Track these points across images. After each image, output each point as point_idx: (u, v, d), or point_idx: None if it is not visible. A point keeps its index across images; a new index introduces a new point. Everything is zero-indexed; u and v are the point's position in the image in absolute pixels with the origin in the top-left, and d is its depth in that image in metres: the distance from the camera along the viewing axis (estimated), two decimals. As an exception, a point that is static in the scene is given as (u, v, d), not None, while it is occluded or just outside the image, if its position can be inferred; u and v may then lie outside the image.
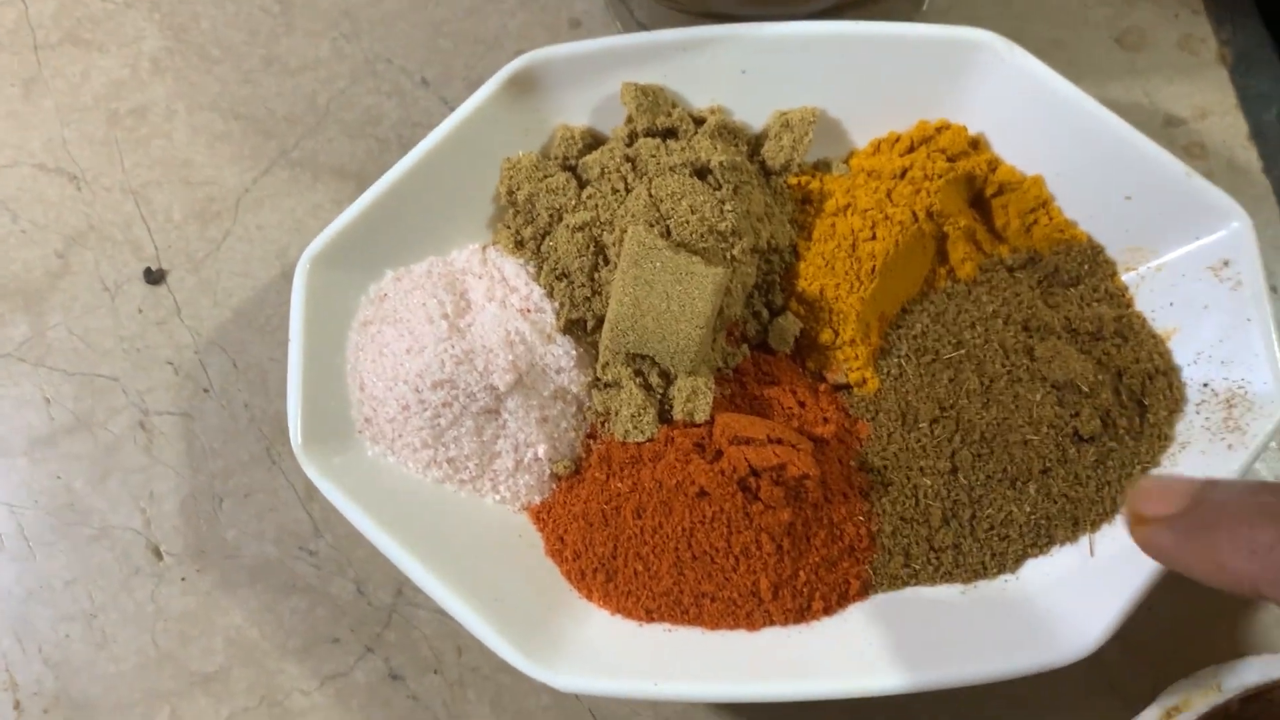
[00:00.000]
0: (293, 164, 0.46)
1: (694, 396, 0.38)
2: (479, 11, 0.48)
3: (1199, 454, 0.37)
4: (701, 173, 0.39)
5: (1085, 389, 0.37)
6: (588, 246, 0.39)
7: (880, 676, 0.34)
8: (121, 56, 0.48)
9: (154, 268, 0.45)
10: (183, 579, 0.41)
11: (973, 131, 0.41)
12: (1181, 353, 0.39)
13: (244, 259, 0.45)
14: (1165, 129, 0.46)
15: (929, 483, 0.38)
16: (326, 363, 0.38)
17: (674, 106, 0.41)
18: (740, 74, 0.41)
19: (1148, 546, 0.23)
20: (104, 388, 0.44)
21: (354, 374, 0.38)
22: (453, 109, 0.46)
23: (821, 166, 0.42)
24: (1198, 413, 0.38)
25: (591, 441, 0.40)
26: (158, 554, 0.42)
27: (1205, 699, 0.34)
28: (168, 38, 0.48)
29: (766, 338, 0.41)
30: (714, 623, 0.36)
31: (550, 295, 0.40)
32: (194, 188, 0.46)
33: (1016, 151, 0.41)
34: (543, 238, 0.40)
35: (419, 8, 0.48)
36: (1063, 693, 0.39)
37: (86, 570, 0.42)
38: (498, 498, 0.39)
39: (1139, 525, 0.24)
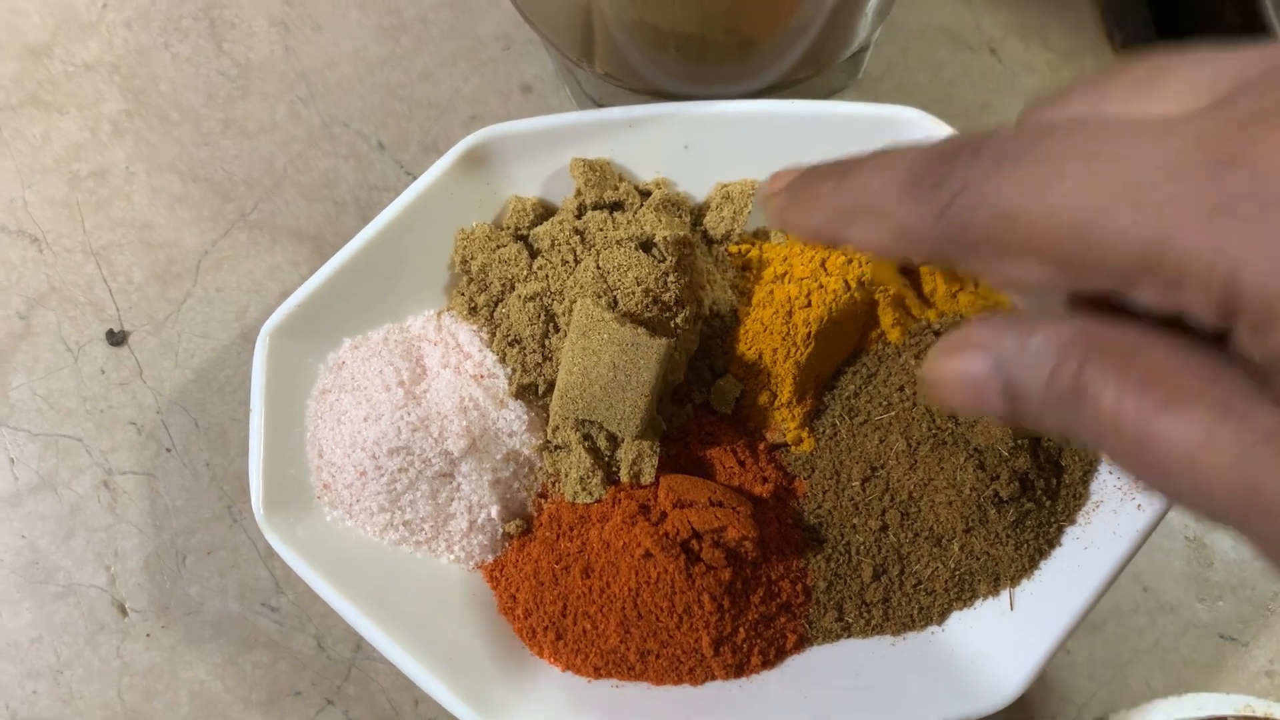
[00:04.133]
0: (251, 226, 0.48)
1: (640, 460, 0.40)
2: (432, 76, 0.50)
3: (1111, 512, 0.39)
4: (646, 245, 0.41)
5: (1004, 453, 0.39)
6: (538, 315, 0.41)
7: (815, 726, 0.37)
8: (82, 119, 0.49)
9: (116, 329, 0.46)
10: (147, 635, 0.43)
11: (903, 203, 0.43)
12: (1096, 415, 0.41)
13: (204, 320, 0.46)
14: (1086, 192, 0.49)
15: (860, 540, 0.40)
16: (287, 431, 0.40)
17: (620, 180, 0.43)
18: (683, 149, 0.43)
19: (771, 217, 0.26)
20: (68, 448, 0.45)
21: (313, 441, 0.40)
22: (408, 172, 0.48)
23: (760, 235, 0.44)
24: (1110, 473, 0.40)
25: (542, 501, 0.41)
26: (123, 610, 0.43)
27: (1116, 742, 0.37)
28: (127, 100, 0.49)
29: (709, 399, 0.43)
30: (659, 678, 0.38)
31: (503, 361, 0.42)
32: (154, 249, 0.47)
33: (944, 222, 0.43)
34: (495, 305, 0.42)
35: (374, 72, 0.50)
36: (987, 733, 0.42)
37: (52, 627, 0.43)
38: (452, 557, 0.41)
39: (767, 200, 0.27)
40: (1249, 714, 0.40)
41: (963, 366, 0.22)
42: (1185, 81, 0.20)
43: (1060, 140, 0.19)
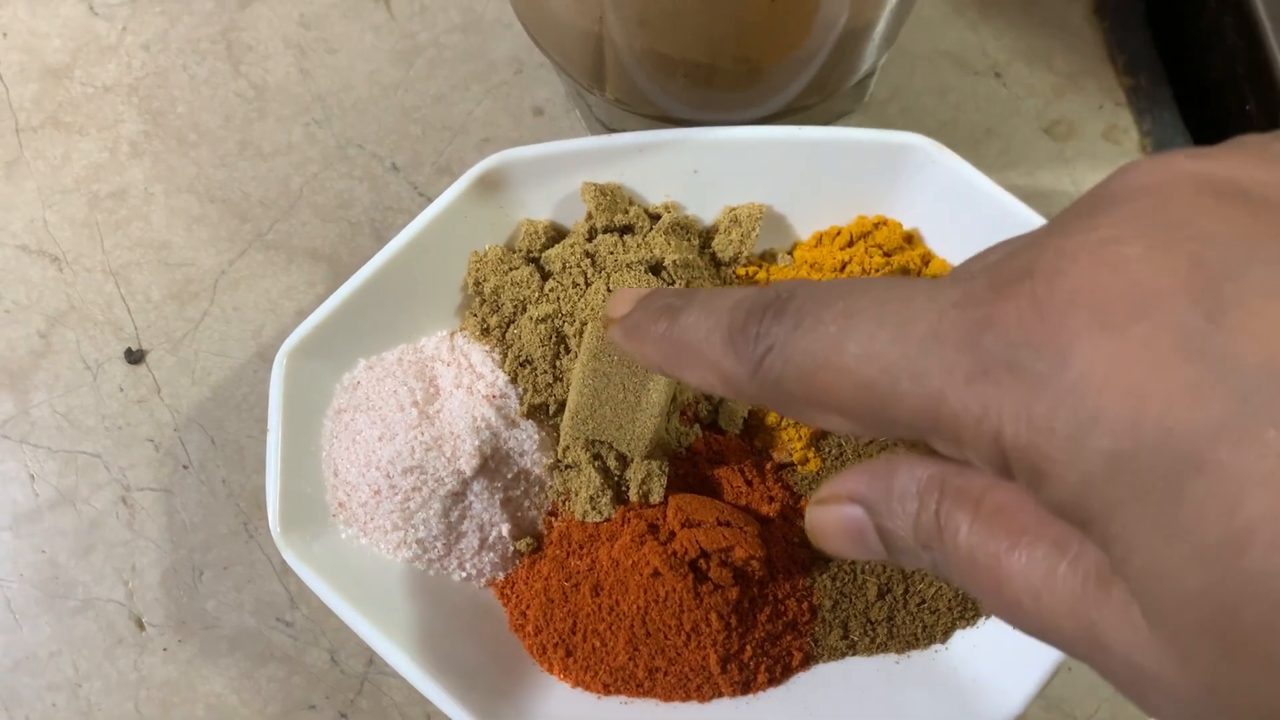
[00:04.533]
0: (267, 246, 0.48)
1: (649, 479, 0.41)
2: (445, 99, 0.50)
3: (1112, 533, 0.40)
4: (656, 269, 0.42)
5: (1008, 475, 0.40)
6: (550, 337, 0.42)
7: (820, 743, 0.37)
8: (101, 140, 0.50)
9: (134, 347, 0.47)
10: (164, 649, 0.44)
11: (907, 227, 0.44)
12: (1098, 436, 0.42)
13: (221, 339, 0.47)
14: (1089, 214, 0.49)
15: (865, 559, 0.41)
16: (303, 450, 0.40)
17: (630, 204, 0.44)
18: (692, 173, 0.44)
19: (612, 339, 0.28)
20: (87, 464, 0.46)
21: (329, 460, 0.41)
22: (422, 193, 0.49)
23: (768, 258, 0.45)
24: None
25: (553, 519, 0.42)
26: (140, 625, 0.44)
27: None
28: (146, 122, 0.50)
29: (717, 418, 0.43)
30: (667, 695, 0.39)
31: (514, 381, 0.42)
32: (172, 269, 0.48)
33: (948, 246, 0.44)
34: (507, 326, 0.43)
35: (388, 94, 0.51)
36: (990, 751, 0.43)
37: (71, 641, 0.44)
38: (464, 575, 0.41)
39: (606, 325, 0.28)
40: (1249, 732, 0.40)
41: (839, 518, 0.23)
42: (991, 253, 0.21)
43: (851, 302, 0.20)
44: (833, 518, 0.23)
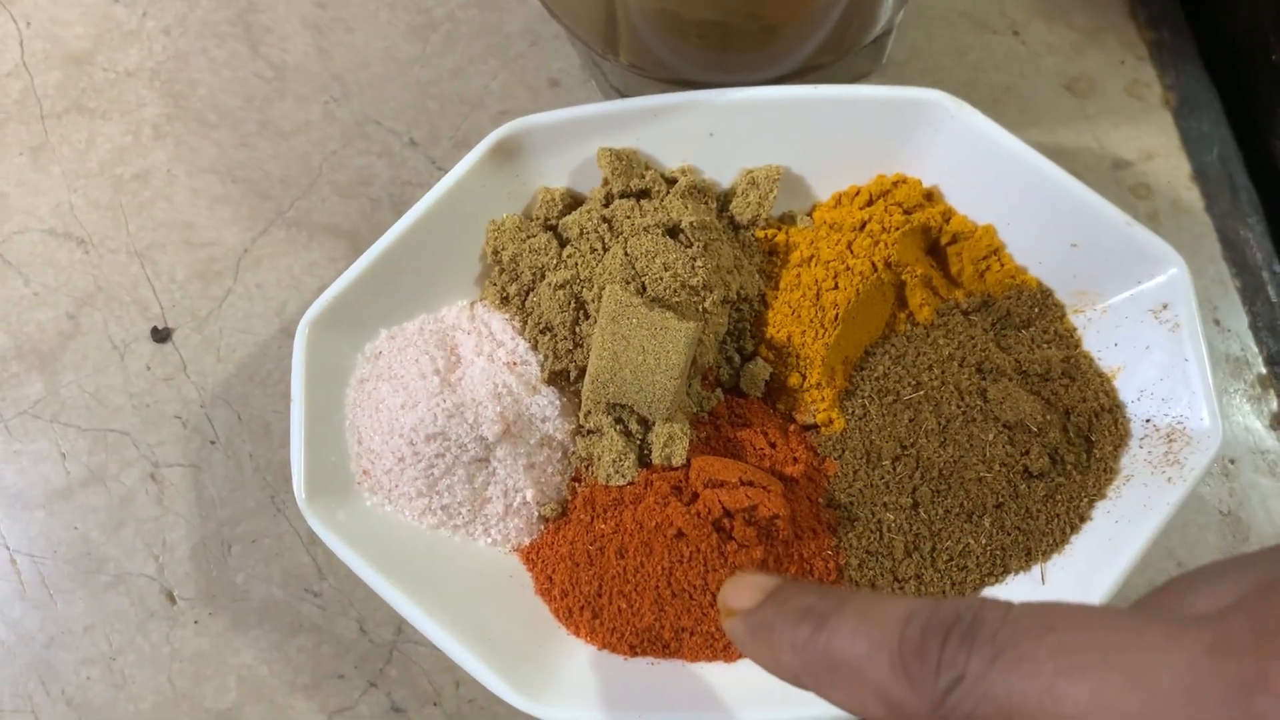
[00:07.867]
0: (289, 224, 0.49)
1: (671, 442, 0.41)
2: (462, 73, 0.51)
3: (1141, 486, 0.39)
4: (673, 232, 0.42)
5: (1034, 428, 0.40)
6: (569, 303, 0.42)
7: (849, 701, 0.37)
8: (124, 124, 0.51)
9: (160, 326, 0.47)
10: (195, 621, 0.44)
11: (927, 184, 0.44)
12: (1126, 390, 0.41)
13: (245, 316, 0.48)
14: (1113, 171, 0.49)
15: (892, 517, 0.40)
16: (326, 420, 0.41)
17: (647, 169, 0.44)
18: (708, 136, 0.43)
19: (730, 635, 0.25)
20: (116, 442, 0.46)
21: (352, 429, 0.41)
22: (440, 168, 0.49)
23: (787, 219, 0.45)
24: (1141, 447, 0.40)
25: (576, 484, 0.42)
26: (171, 598, 0.44)
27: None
28: (167, 105, 0.51)
29: (739, 382, 0.43)
30: (693, 655, 0.39)
31: (535, 348, 0.42)
32: (196, 249, 0.49)
33: (969, 202, 0.43)
34: (527, 294, 0.43)
35: (405, 70, 0.51)
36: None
37: (104, 615, 0.44)
38: (489, 540, 0.41)
39: (726, 617, 0.25)
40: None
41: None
42: (1222, 580, 0.20)
43: (1065, 635, 0.18)
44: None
